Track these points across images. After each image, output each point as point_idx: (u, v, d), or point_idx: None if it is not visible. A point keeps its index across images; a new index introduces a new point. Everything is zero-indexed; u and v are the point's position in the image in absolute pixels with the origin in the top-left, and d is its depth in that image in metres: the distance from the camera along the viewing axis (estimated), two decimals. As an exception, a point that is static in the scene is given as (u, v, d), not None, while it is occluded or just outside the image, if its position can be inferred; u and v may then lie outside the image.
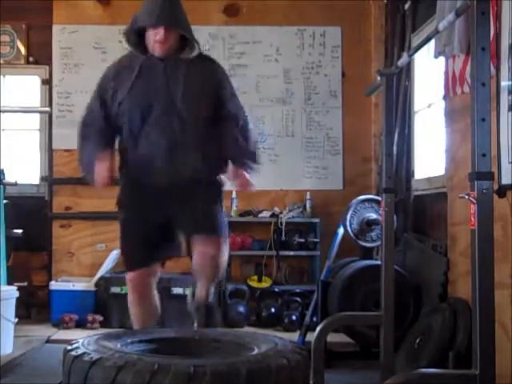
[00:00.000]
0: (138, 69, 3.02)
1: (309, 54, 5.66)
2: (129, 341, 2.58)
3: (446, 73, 3.73)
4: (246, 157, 3.07)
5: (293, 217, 5.38)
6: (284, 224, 5.30)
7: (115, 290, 4.95)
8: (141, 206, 3.04)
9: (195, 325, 2.93)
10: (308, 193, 5.45)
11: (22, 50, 5.58)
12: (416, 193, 4.77)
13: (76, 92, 5.55)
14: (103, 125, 3.11)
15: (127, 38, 3.07)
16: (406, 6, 4.96)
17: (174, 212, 3.02)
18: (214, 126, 3.06)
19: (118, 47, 5.55)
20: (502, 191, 2.94)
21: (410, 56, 3.14)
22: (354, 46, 5.66)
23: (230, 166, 3.09)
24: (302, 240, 5.34)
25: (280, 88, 5.64)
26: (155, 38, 2.95)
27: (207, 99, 3.04)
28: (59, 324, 4.87)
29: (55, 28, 5.57)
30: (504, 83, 3.09)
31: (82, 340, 2.44)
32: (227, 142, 3.07)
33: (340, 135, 5.66)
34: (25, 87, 5.73)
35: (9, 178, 4.92)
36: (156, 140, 2.98)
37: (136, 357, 2.21)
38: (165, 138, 2.97)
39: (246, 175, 3.02)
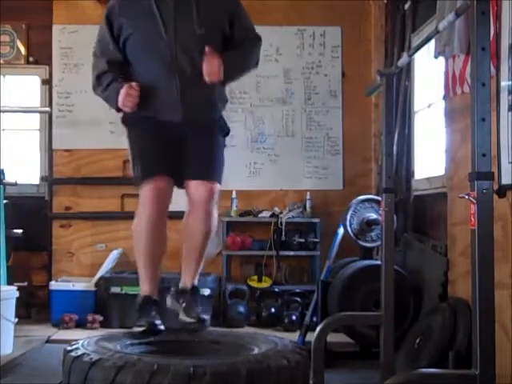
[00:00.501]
0: (148, 4, 2.94)
1: (309, 53, 5.66)
2: (128, 342, 2.58)
3: (446, 73, 3.73)
4: (232, 64, 2.97)
5: (293, 217, 5.38)
6: (284, 224, 5.30)
7: (115, 289, 4.95)
8: (153, 129, 2.96)
9: (181, 313, 2.86)
10: (308, 193, 5.45)
11: (22, 50, 5.58)
12: (416, 193, 4.77)
13: (76, 92, 5.56)
14: (118, 55, 3.01)
15: None
16: (406, 6, 4.96)
17: (185, 144, 2.95)
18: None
19: (117, 47, 5.57)
20: (502, 191, 2.94)
21: (410, 56, 3.14)
22: (354, 45, 5.66)
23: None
24: (302, 240, 5.33)
25: (280, 88, 5.64)
26: None
27: (220, 28, 3.01)
28: (59, 324, 4.87)
29: (55, 28, 5.57)
30: (504, 83, 3.09)
31: (82, 341, 2.44)
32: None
33: (340, 135, 5.66)
34: (25, 87, 5.73)
35: (9, 178, 4.91)
36: (170, 73, 2.92)
37: (135, 357, 2.22)
38: (178, 71, 2.91)
39: (217, 64, 2.87)
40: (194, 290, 2.98)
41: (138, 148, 3.01)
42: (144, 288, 3.02)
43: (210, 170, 2.98)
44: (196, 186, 2.93)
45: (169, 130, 2.94)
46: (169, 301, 3.01)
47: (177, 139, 2.95)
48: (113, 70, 3.01)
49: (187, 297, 2.94)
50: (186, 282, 2.99)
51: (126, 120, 3.07)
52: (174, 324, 2.84)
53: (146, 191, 2.93)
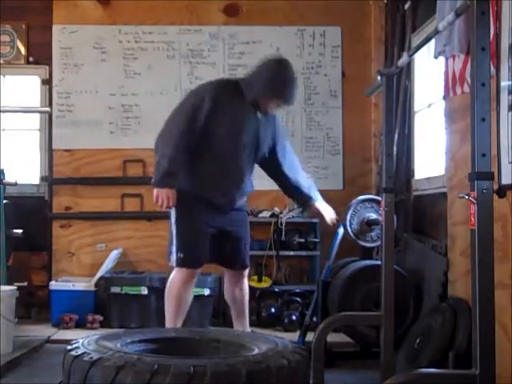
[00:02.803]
0: (241, 107, 3.53)
1: (309, 53, 5.66)
2: (129, 341, 2.58)
3: (446, 73, 3.72)
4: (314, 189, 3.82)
5: (293, 217, 5.38)
6: (284, 224, 5.30)
7: (115, 289, 4.95)
8: (201, 216, 3.55)
9: None
10: (308, 193, 5.44)
11: (22, 50, 5.58)
12: (416, 193, 4.77)
13: (76, 92, 5.56)
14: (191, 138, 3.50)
15: (252, 98, 3.54)
16: (406, 6, 4.96)
17: (228, 229, 3.66)
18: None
19: (117, 47, 5.58)
20: (502, 191, 2.93)
21: (410, 56, 3.14)
22: (353, 46, 5.66)
23: (314, 203, 3.85)
24: (302, 240, 5.34)
25: (280, 88, 5.63)
26: (271, 106, 3.59)
27: (269, 145, 3.72)
28: (59, 324, 4.87)
29: (55, 28, 5.57)
30: (504, 83, 3.09)
31: (82, 340, 2.44)
32: (298, 178, 3.79)
33: (340, 135, 5.66)
34: (25, 87, 5.73)
35: (9, 178, 4.92)
36: (233, 169, 3.57)
37: (136, 357, 2.21)
38: (240, 169, 3.59)
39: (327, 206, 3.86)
40: None
41: (185, 236, 3.57)
42: None
43: (246, 260, 3.80)
44: (237, 273, 3.78)
45: (217, 215, 3.57)
46: None
47: (221, 224, 3.61)
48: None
49: None
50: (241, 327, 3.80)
51: (181, 207, 3.55)
52: None
53: (184, 274, 3.60)
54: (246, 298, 3.85)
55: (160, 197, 3.44)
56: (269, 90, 3.50)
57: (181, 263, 3.56)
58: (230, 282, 3.81)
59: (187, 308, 3.70)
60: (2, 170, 4.81)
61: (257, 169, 3.82)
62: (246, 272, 3.85)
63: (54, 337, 4.58)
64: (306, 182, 3.83)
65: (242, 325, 3.81)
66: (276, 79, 3.49)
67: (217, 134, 3.49)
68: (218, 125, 3.47)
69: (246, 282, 3.84)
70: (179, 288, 3.60)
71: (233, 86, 3.58)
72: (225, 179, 3.58)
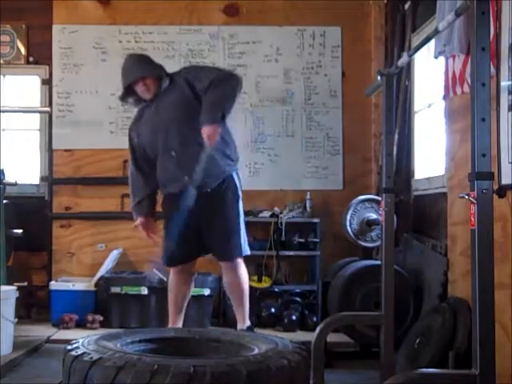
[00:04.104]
0: (142, 114, 3.79)
1: (309, 53, 5.66)
2: (129, 341, 2.58)
3: (446, 73, 3.72)
4: (210, 112, 3.51)
5: (293, 217, 5.38)
6: (284, 224, 5.30)
7: (115, 289, 4.95)
8: (173, 215, 3.62)
9: None
10: (308, 193, 5.44)
11: (22, 50, 5.58)
12: (416, 193, 4.77)
13: (76, 92, 5.56)
14: (144, 168, 3.81)
15: (124, 100, 3.83)
16: (406, 6, 4.96)
17: (201, 221, 3.68)
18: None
19: (117, 47, 5.58)
20: (502, 191, 2.92)
21: (410, 56, 3.14)
22: (353, 46, 5.65)
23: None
24: (302, 240, 5.33)
25: (280, 88, 5.64)
26: (138, 90, 3.73)
27: (192, 105, 3.61)
28: (59, 324, 4.87)
29: (55, 28, 5.57)
30: (504, 83, 3.09)
31: (82, 340, 2.44)
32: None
33: (340, 135, 5.66)
34: (25, 87, 5.73)
35: (9, 178, 4.91)
36: (169, 160, 3.65)
37: (136, 357, 2.21)
38: (174, 156, 3.63)
39: (211, 129, 3.48)
40: (249, 329, 3.74)
41: (164, 237, 3.82)
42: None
43: (228, 251, 3.73)
44: (222, 263, 3.81)
45: (182, 205, 3.54)
46: None
47: (193, 217, 3.57)
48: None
49: None
50: (240, 325, 3.80)
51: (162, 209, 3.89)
52: None
53: (170, 274, 3.88)
54: (241, 289, 3.79)
55: (138, 227, 3.87)
56: (122, 82, 3.75)
57: (165, 263, 3.91)
58: (223, 273, 3.93)
59: (183, 304, 3.86)
60: (2, 170, 4.81)
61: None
62: (236, 263, 3.75)
63: (54, 337, 4.58)
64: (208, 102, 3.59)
65: (240, 317, 3.82)
66: (122, 69, 3.78)
67: (142, 143, 3.78)
68: (138, 137, 3.80)
69: (238, 274, 3.76)
70: (170, 286, 3.88)
71: (135, 115, 3.92)
72: (169, 168, 3.68)
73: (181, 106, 3.66)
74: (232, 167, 3.74)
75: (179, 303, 3.85)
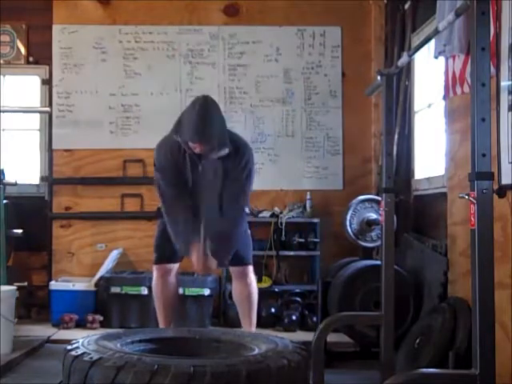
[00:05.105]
0: (186, 157, 3.49)
1: (309, 53, 5.66)
2: (129, 341, 2.58)
3: (446, 73, 3.72)
4: (218, 255, 3.52)
5: (293, 217, 5.38)
6: (284, 224, 5.30)
7: (115, 289, 4.95)
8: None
9: None
10: (308, 193, 5.44)
11: (22, 50, 5.58)
12: (416, 193, 4.77)
13: (76, 92, 5.56)
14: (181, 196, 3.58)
15: (178, 134, 3.46)
16: (406, 6, 4.96)
17: None
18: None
19: (117, 47, 5.59)
20: (502, 191, 2.93)
21: (410, 56, 3.14)
22: (353, 46, 5.65)
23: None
24: (302, 240, 5.33)
25: (280, 88, 5.64)
26: (197, 149, 3.41)
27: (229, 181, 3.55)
28: (59, 324, 4.87)
29: (55, 28, 5.57)
30: (504, 83, 3.09)
31: (82, 340, 2.44)
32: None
33: (340, 135, 5.65)
34: (25, 87, 5.73)
35: (9, 178, 4.91)
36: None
37: (136, 357, 2.22)
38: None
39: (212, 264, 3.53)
40: None
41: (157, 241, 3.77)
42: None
43: (241, 258, 3.69)
44: (233, 269, 3.78)
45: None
46: None
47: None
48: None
49: None
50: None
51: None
52: None
53: (154, 279, 3.80)
54: (249, 299, 3.77)
55: (195, 266, 3.59)
56: (184, 136, 3.40)
57: (154, 261, 3.81)
58: (233, 281, 3.85)
59: (172, 303, 3.80)
60: (2, 170, 4.81)
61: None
62: (245, 271, 3.74)
63: (54, 337, 4.58)
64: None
65: (246, 326, 3.77)
66: (186, 124, 3.40)
67: (169, 178, 3.57)
68: (167, 169, 3.56)
69: (245, 282, 3.74)
70: (156, 292, 3.81)
71: (172, 141, 3.52)
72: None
73: (222, 181, 3.53)
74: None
75: (168, 303, 3.79)
